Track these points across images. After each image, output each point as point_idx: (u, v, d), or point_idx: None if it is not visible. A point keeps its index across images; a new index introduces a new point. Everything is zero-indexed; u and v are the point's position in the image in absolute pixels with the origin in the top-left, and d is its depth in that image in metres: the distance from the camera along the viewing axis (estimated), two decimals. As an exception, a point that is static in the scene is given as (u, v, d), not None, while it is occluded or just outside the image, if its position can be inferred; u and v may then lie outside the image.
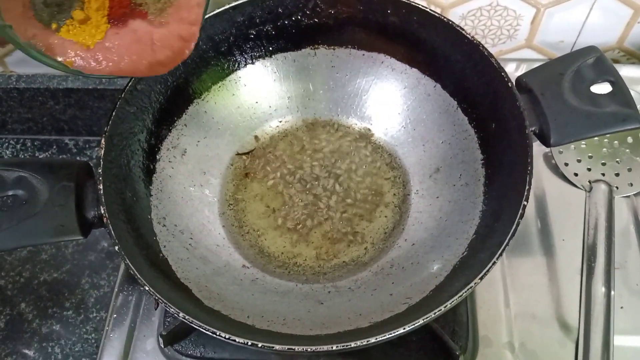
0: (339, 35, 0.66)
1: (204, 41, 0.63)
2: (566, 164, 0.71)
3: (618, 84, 0.55)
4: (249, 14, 0.63)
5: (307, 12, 0.64)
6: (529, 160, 0.50)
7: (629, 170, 0.70)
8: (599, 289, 0.60)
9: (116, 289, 0.66)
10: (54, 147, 0.89)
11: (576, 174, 0.70)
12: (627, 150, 0.71)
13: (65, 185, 0.51)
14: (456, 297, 0.44)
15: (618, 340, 0.58)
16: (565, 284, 0.64)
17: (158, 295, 0.45)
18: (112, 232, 0.49)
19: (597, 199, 0.67)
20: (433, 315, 0.44)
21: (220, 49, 0.65)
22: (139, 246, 0.52)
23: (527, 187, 0.48)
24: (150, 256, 0.53)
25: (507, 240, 0.46)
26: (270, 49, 0.67)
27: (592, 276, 0.61)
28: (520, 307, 0.63)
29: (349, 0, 0.63)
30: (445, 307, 0.44)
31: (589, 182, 0.69)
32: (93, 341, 0.71)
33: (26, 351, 0.71)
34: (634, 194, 0.70)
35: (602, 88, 0.55)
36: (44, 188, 0.51)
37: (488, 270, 0.45)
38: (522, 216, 0.47)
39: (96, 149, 0.87)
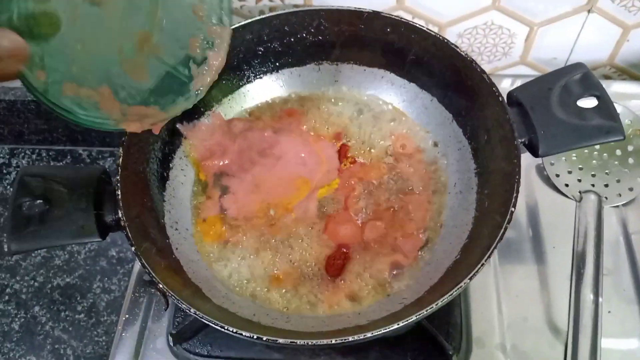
0: (342, 51, 0.70)
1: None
2: (557, 175, 0.74)
3: (603, 98, 0.57)
4: (258, 32, 0.67)
5: (312, 30, 0.68)
6: (517, 169, 0.53)
7: (618, 181, 0.72)
8: (588, 295, 0.62)
9: (129, 291, 0.69)
10: (68, 157, 0.91)
11: (567, 185, 0.73)
12: (616, 162, 0.73)
13: (85, 192, 0.54)
14: (447, 295, 0.47)
15: (606, 343, 0.60)
16: (555, 290, 0.67)
17: (171, 292, 0.48)
18: (129, 234, 0.52)
19: (586, 208, 0.69)
20: (425, 312, 0.46)
21: (231, 64, 0.68)
22: (153, 248, 0.55)
23: (514, 194, 0.51)
24: (164, 257, 0.57)
25: (495, 243, 0.49)
26: (277, 64, 0.71)
27: (582, 282, 0.63)
28: (512, 311, 0.66)
29: (351, 20, 0.66)
30: (436, 304, 0.47)
31: (579, 192, 0.71)
32: (104, 343, 0.73)
33: (39, 353, 0.73)
34: (622, 204, 0.72)
35: (588, 102, 0.57)
36: (66, 194, 0.54)
37: (477, 271, 0.48)
38: (509, 221, 0.50)
39: (109, 159, 0.90)
